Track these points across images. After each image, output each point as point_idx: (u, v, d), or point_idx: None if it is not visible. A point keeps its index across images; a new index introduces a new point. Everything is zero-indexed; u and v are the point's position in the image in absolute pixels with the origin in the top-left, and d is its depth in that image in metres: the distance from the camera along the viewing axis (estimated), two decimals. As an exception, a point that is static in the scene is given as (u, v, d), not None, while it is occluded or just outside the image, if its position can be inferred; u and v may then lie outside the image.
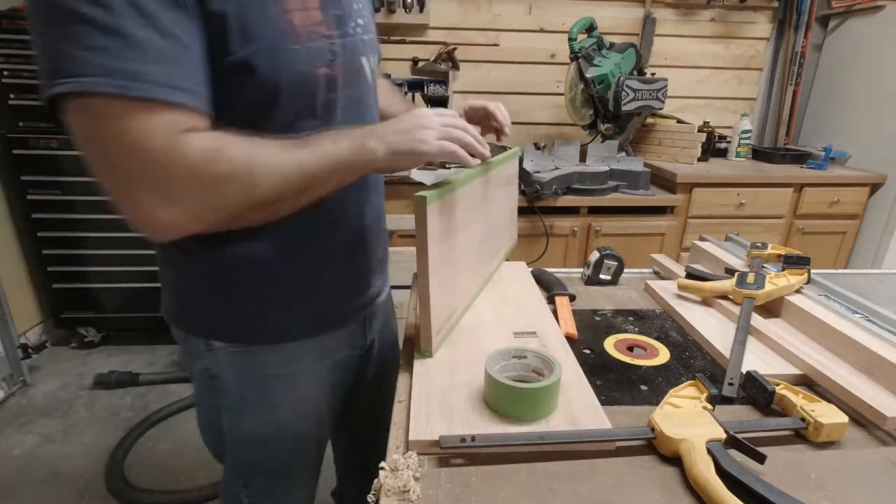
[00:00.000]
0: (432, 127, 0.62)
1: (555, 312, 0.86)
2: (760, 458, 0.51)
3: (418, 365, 0.68)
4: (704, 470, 0.48)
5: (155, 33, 0.48)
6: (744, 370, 0.65)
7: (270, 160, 0.55)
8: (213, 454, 0.85)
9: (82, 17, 0.46)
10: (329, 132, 0.60)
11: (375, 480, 0.50)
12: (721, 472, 0.48)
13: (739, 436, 0.52)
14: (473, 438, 0.52)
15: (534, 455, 0.53)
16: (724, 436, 0.53)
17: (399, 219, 1.90)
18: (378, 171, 0.67)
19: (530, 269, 1.03)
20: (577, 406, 0.59)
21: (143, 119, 0.49)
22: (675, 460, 0.53)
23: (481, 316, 0.82)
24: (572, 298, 0.92)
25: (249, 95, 0.58)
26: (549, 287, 0.95)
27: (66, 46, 0.47)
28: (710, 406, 0.58)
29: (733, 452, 0.52)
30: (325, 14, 0.62)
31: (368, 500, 0.50)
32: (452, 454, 0.53)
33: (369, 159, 0.60)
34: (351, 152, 0.59)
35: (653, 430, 0.54)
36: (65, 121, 0.49)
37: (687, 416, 0.55)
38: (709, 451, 0.51)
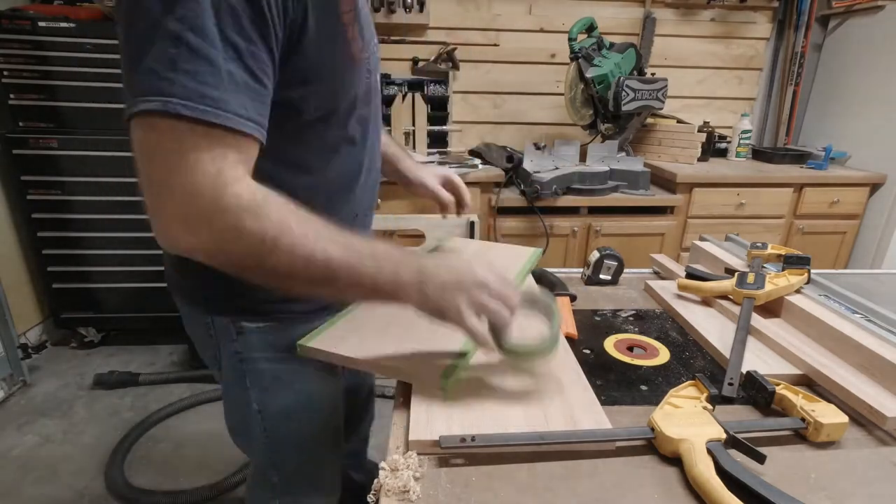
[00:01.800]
0: (475, 298, 0.56)
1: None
2: (760, 458, 0.51)
3: None
4: (704, 470, 0.48)
5: (238, 66, 0.51)
6: (744, 370, 0.66)
7: (301, 241, 0.54)
8: (243, 449, 0.87)
9: (177, 38, 0.48)
10: (376, 245, 0.58)
11: (375, 480, 0.50)
12: (721, 471, 0.48)
13: (739, 436, 0.52)
14: (473, 438, 0.52)
15: (534, 455, 0.53)
16: (723, 436, 0.53)
17: (399, 219, 1.90)
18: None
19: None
20: (577, 406, 0.60)
21: (216, 145, 0.51)
22: (674, 460, 0.53)
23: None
24: (573, 299, 0.92)
25: (306, 117, 0.63)
26: (551, 287, 0.95)
27: (157, 65, 0.48)
28: (710, 406, 0.58)
29: (733, 452, 0.52)
30: (362, 37, 0.65)
31: (368, 500, 0.50)
32: (452, 454, 0.53)
33: (396, 298, 0.57)
34: (384, 281, 0.56)
35: (653, 430, 0.55)
36: (134, 133, 0.51)
37: (687, 416, 0.55)
38: (709, 451, 0.51)
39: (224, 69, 0.50)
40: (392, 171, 0.98)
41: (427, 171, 1.00)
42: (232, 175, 0.52)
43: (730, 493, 0.46)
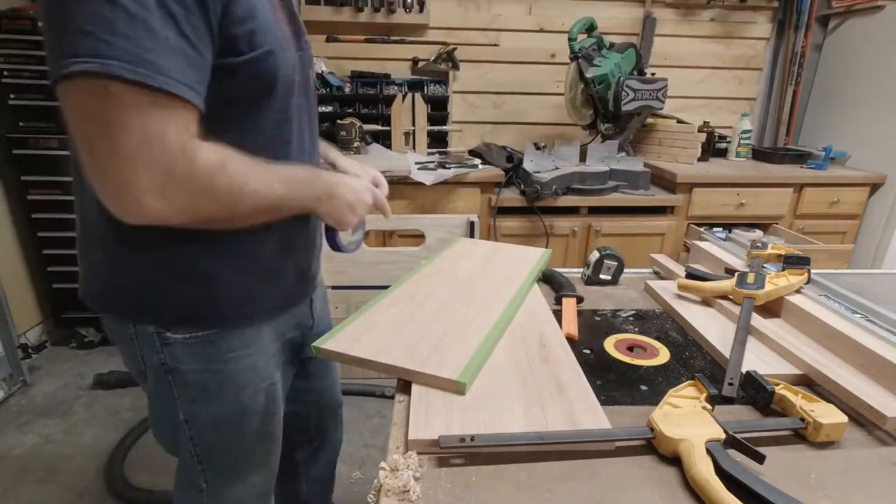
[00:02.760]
0: (361, 205, 0.78)
1: (559, 312, 0.86)
2: (760, 458, 0.51)
3: None
4: (704, 470, 0.48)
5: (176, 33, 0.51)
6: (744, 370, 0.65)
7: (259, 186, 0.62)
8: (166, 449, 0.84)
9: (113, 2, 0.47)
10: (301, 172, 0.69)
11: (375, 480, 0.50)
12: (720, 472, 0.48)
13: (739, 436, 0.52)
14: (472, 438, 0.52)
15: (534, 455, 0.53)
16: (723, 436, 0.53)
17: (399, 219, 1.90)
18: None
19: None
20: (576, 406, 0.59)
21: (162, 113, 0.51)
22: (674, 460, 0.53)
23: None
24: (580, 300, 0.92)
25: (249, 90, 0.63)
26: (559, 287, 0.95)
27: (92, 27, 0.47)
28: (709, 406, 0.58)
29: (732, 452, 0.52)
30: (291, 29, 0.69)
31: (368, 500, 0.50)
32: (452, 454, 0.53)
33: (316, 212, 0.73)
34: (311, 200, 0.71)
35: (652, 430, 0.55)
36: (65, 100, 0.49)
37: (686, 416, 0.55)
38: (708, 452, 0.51)
39: (162, 35, 0.49)
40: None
41: (356, 166, 0.94)
42: (192, 140, 0.54)
43: (729, 493, 0.46)
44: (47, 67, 0.51)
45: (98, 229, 0.67)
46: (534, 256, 1.06)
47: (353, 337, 0.71)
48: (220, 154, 0.58)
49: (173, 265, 0.67)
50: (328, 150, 0.94)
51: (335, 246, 0.84)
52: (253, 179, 0.61)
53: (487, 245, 1.14)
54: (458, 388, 0.61)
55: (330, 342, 0.69)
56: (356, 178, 0.81)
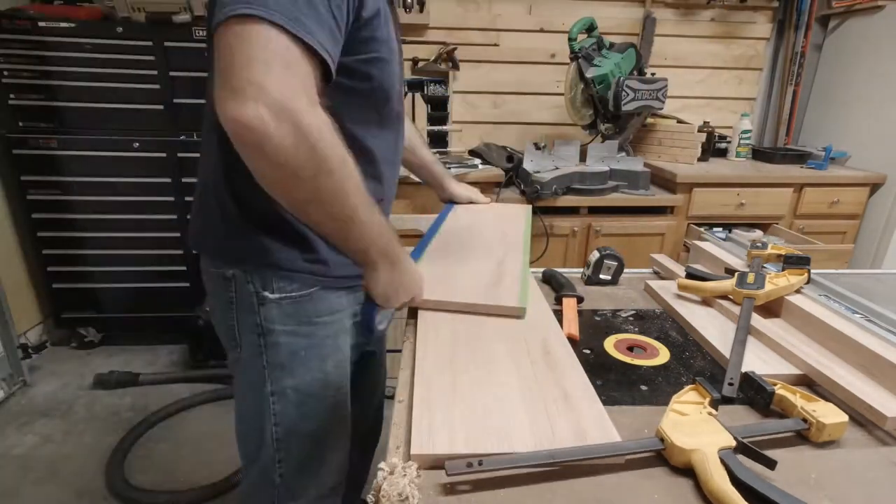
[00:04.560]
0: (411, 292, 0.76)
1: (559, 312, 0.86)
2: (771, 464, 0.50)
3: (419, 365, 0.67)
4: (721, 482, 0.47)
5: (326, 9, 0.58)
6: (744, 370, 0.65)
7: (348, 184, 0.62)
8: (242, 434, 0.86)
9: None
10: (385, 221, 0.70)
11: (375, 480, 0.50)
12: (734, 480, 0.48)
13: (747, 440, 0.52)
14: (480, 462, 0.49)
15: (543, 473, 0.52)
16: (734, 443, 0.52)
17: (399, 219, 1.90)
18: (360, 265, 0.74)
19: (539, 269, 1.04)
20: (585, 417, 0.57)
21: (305, 63, 0.57)
22: (685, 471, 0.52)
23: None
24: (580, 300, 0.92)
25: (365, 95, 0.72)
26: (559, 287, 0.95)
27: None
28: (714, 411, 0.57)
29: (741, 457, 0.51)
30: (397, 43, 0.77)
31: (368, 500, 0.50)
32: (459, 482, 0.50)
33: (369, 265, 0.70)
34: (374, 251, 0.69)
35: (662, 440, 0.53)
36: (222, 38, 0.54)
37: (695, 425, 0.54)
38: (721, 461, 0.50)
39: (317, 5, 0.57)
40: (427, 174, 1.23)
41: (457, 187, 1.27)
42: (316, 98, 0.58)
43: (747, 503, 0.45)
44: (210, 13, 0.62)
45: (217, 187, 0.75)
46: (519, 212, 1.29)
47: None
48: (333, 131, 0.60)
49: (277, 223, 0.73)
50: (436, 164, 1.16)
51: (369, 322, 0.75)
52: (348, 173, 0.61)
53: (475, 207, 1.30)
54: (519, 312, 0.78)
55: None
56: (418, 269, 0.79)
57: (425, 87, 2.34)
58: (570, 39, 2.09)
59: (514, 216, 1.24)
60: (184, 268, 2.17)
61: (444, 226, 1.15)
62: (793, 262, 0.89)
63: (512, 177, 2.14)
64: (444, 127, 2.39)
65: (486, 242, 1.05)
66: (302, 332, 0.79)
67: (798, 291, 0.85)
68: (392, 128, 0.83)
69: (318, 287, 0.79)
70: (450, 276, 0.88)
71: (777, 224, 2.19)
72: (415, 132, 1.15)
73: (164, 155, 2.06)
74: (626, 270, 1.04)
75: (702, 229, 2.04)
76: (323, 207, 0.61)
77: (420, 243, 1.03)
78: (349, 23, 0.63)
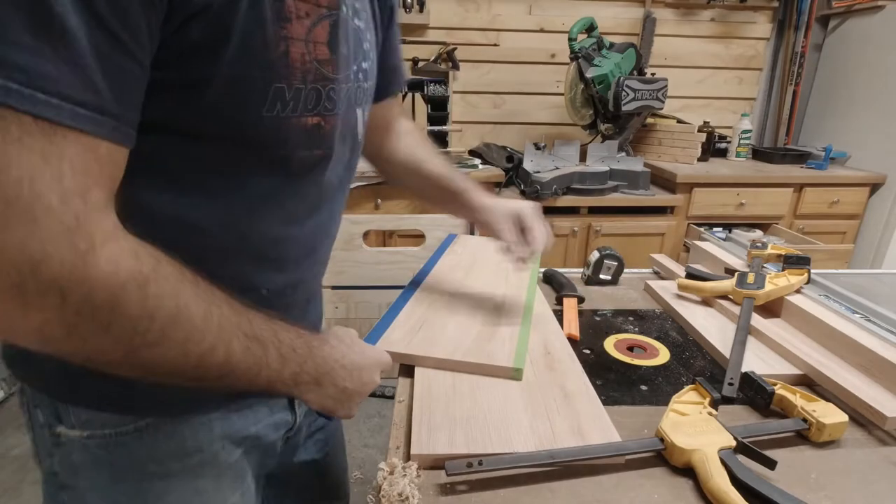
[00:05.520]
0: (362, 395, 0.55)
1: (560, 312, 0.86)
2: (771, 465, 0.50)
3: (418, 370, 0.66)
4: (721, 482, 0.47)
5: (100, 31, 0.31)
6: (744, 370, 0.65)
7: (200, 330, 0.39)
8: None
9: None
10: (282, 334, 0.46)
11: (375, 481, 0.50)
12: (735, 481, 0.48)
13: (746, 440, 0.52)
14: (480, 462, 0.49)
15: (542, 472, 0.52)
16: (734, 443, 0.52)
17: (399, 219, 1.90)
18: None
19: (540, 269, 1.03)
20: (584, 418, 0.57)
21: (64, 165, 0.31)
22: (685, 471, 0.52)
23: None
24: (581, 301, 0.92)
25: (200, 128, 0.41)
26: (560, 287, 0.95)
27: None
28: (714, 411, 0.57)
29: (742, 458, 0.51)
30: (332, 51, 0.46)
31: (368, 500, 0.50)
32: (458, 482, 0.50)
33: (289, 394, 0.54)
34: (282, 382, 0.47)
35: (662, 440, 0.53)
36: None
37: (695, 425, 0.54)
38: (722, 461, 0.50)
39: (80, 43, 0.30)
40: (458, 206, 0.79)
41: (499, 207, 0.76)
42: (98, 217, 0.33)
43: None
44: None
45: None
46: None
47: (399, 337, 0.70)
48: (146, 258, 0.36)
49: None
50: (465, 181, 0.77)
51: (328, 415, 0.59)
52: (196, 320, 0.39)
53: (478, 240, 1.15)
54: (514, 374, 0.64)
55: (378, 343, 0.68)
56: (371, 354, 0.58)
57: (425, 87, 2.34)
58: (570, 39, 2.09)
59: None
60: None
61: (440, 262, 1.00)
62: (793, 262, 0.89)
63: (512, 177, 2.14)
64: (444, 127, 2.39)
65: (485, 284, 0.90)
66: (120, 489, 0.49)
67: (798, 291, 0.85)
68: (314, 215, 0.54)
69: (153, 416, 0.49)
70: (436, 325, 0.74)
71: (777, 224, 2.19)
72: (419, 141, 0.81)
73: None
74: (626, 270, 1.04)
75: (702, 229, 2.04)
76: (170, 376, 0.39)
77: (413, 279, 0.90)
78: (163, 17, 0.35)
